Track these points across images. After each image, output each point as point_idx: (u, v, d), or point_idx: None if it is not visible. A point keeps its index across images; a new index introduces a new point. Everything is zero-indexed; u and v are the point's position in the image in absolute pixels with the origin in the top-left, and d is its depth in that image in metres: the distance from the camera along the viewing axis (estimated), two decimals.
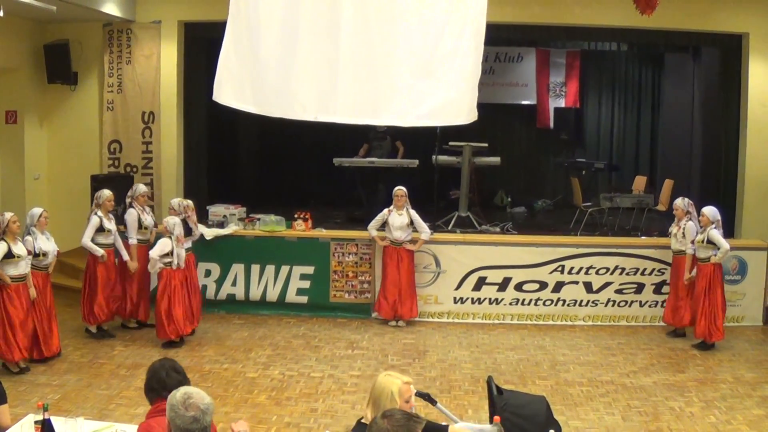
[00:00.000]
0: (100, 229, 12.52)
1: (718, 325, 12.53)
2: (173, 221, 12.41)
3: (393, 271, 13.79)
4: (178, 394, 4.66)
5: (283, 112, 6.71)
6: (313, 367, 11.66)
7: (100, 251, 12.39)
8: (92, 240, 12.48)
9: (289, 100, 6.63)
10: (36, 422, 6.10)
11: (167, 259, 12.28)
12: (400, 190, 13.80)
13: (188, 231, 12.97)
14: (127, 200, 13.15)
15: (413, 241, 13.80)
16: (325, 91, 6.56)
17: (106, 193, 12.71)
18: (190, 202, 13.32)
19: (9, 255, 10.69)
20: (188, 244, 13.00)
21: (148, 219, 13.27)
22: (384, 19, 6.48)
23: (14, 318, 10.82)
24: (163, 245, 12.23)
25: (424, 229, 13.77)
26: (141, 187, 13.32)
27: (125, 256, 12.91)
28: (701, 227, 12.56)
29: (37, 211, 11.57)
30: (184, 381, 5.72)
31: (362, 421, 5.87)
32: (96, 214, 12.56)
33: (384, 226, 13.87)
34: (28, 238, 11.23)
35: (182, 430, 4.56)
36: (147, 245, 13.13)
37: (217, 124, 16.99)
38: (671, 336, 13.34)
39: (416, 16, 6.50)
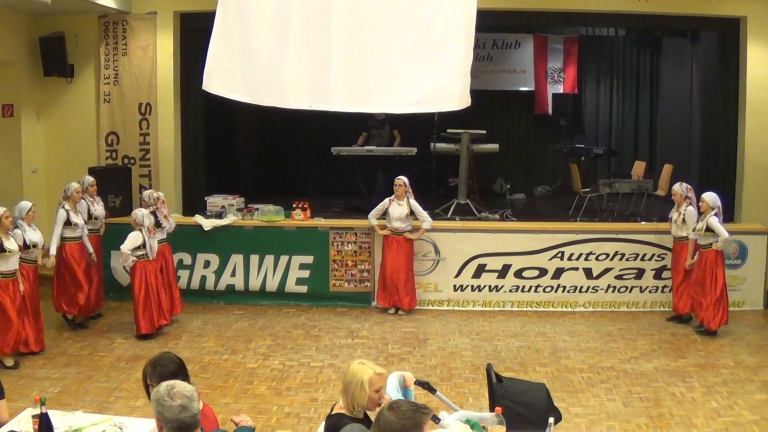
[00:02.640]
0: (68, 223, 12.53)
1: (721, 310, 12.52)
2: (141, 213, 12.42)
3: (392, 260, 13.76)
4: (161, 388, 4.64)
5: (277, 101, 6.70)
6: (313, 357, 11.65)
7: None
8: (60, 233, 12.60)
9: (282, 88, 6.62)
10: (33, 416, 6.08)
11: (140, 252, 12.28)
12: (399, 179, 13.73)
13: (158, 223, 13.01)
14: None
15: (414, 230, 13.76)
16: (319, 80, 6.55)
17: (74, 185, 12.72)
18: (161, 195, 13.37)
19: (1, 249, 10.69)
20: (162, 235, 13.09)
21: (98, 209, 13.34)
22: (375, 7, 6.46)
23: (3, 313, 10.80)
24: (134, 239, 12.23)
25: (426, 218, 13.72)
26: (89, 179, 13.36)
27: (89, 249, 12.96)
28: (701, 213, 12.51)
29: (26, 205, 11.56)
30: None
31: (332, 413, 5.90)
32: (64, 207, 12.56)
33: (385, 215, 13.83)
34: (17, 231, 11.20)
35: (173, 421, 4.53)
36: (97, 235, 13.41)
37: (214, 115, 16.94)
38: (674, 321, 13.31)
39: (407, 3, 6.48)
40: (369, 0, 6.46)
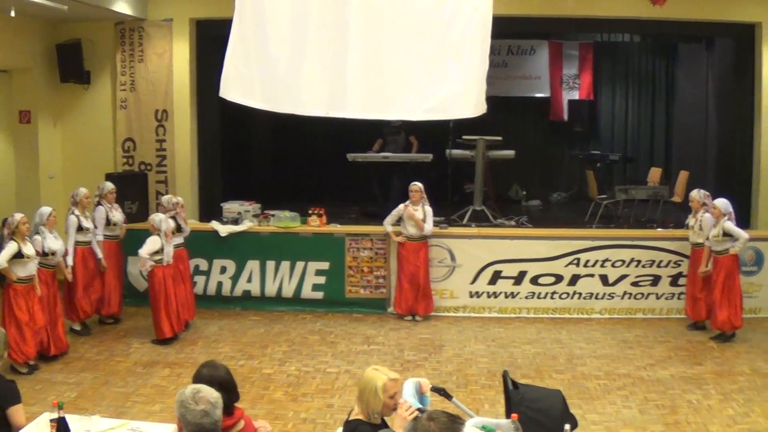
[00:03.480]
0: (78, 228, 12.58)
1: (739, 314, 12.50)
2: (159, 218, 12.49)
3: (408, 266, 13.77)
4: (187, 390, 4.69)
5: (294, 108, 6.70)
6: (329, 363, 11.67)
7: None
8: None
9: (299, 95, 6.62)
10: (51, 420, 6.11)
11: (157, 257, 12.33)
12: (415, 185, 13.75)
13: (178, 227, 13.08)
14: (95, 198, 13.22)
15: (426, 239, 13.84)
16: (335, 87, 6.55)
17: (83, 191, 12.77)
18: (180, 199, 13.47)
19: (19, 255, 10.72)
20: (179, 239, 13.12)
21: (117, 215, 13.38)
22: (391, 13, 6.47)
23: (21, 319, 10.84)
24: (152, 243, 12.28)
25: (428, 224, 13.68)
26: (108, 185, 13.40)
27: (99, 254, 13.01)
28: (714, 219, 12.49)
29: (46, 210, 11.61)
30: None
31: (349, 418, 5.92)
32: (73, 213, 12.62)
33: (400, 221, 13.84)
34: (37, 237, 11.27)
35: (194, 425, 4.57)
36: (117, 241, 13.48)
37: (230, 121, 16.97)
38: (691, 329, 13.28)
39: (423, 10, 6.49)
40: (385, 8, 6.46)
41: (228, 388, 5.77)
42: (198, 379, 5.72)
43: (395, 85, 6.59)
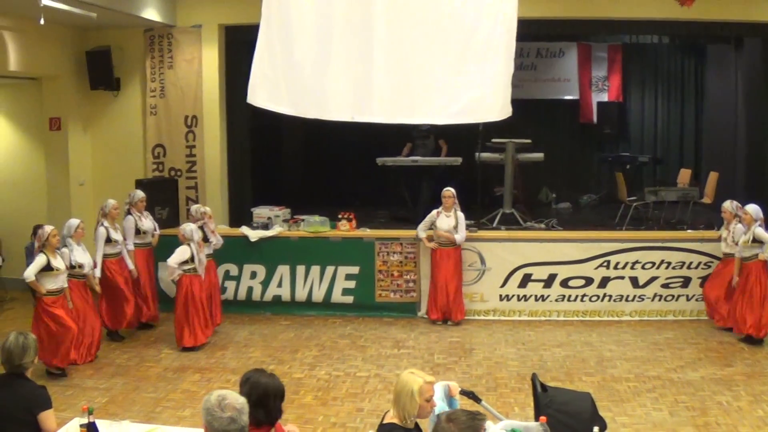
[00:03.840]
0: (107, 240, 12.61)
1: (766, 319, 12.43)
2: (190, 228, 12.48)
3: (441, 272, 13.76)
4: (213, 397, 4.69)
5: (320, 113, 6.75)
6: (359, 367, 11.67)
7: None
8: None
9: (325, 100, 6.67)
10: (81, 425, 6.16)
11: (188, 266, 12.36)
12: (448, 191, 13.74)
13: (205, 238, 13.07)
14: (126, 206, 13.27)
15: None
16: (361, 92, 6.59)
17: (111, 202, 12.83)
18: (208, 209, 13.47)
19: (48, 268, 10.81)
20: (209, 250, 13.16)
21: (146, 223, 13.45)
22: (417, 19, 6.50)
23: (51, 328, 10.93)
24: (182, 253, 12.30)
25: (461, 232, 13.68)
26: (139, 194, 13.45)
27: (130, 265, 13.07)
28: (745, 226, 12.44)
29: (74, 222, 11.70)
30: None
31: (383, 422, 5.91)
32: (102, 225, 12.66)
33: (432, 227, 13.84)
34: (65, 250, 11.35)
35: None
36: (148, 249, 13.60)
37: (260, 126, 16.99)
38: (721, 328, 13.21)
39: (448, 16, 6.51)
40: (410, 13, 6.50)
41: (282, 399, 5.80)
42: (258, 386, 5.66)
43: (420, 89, 6.62)
